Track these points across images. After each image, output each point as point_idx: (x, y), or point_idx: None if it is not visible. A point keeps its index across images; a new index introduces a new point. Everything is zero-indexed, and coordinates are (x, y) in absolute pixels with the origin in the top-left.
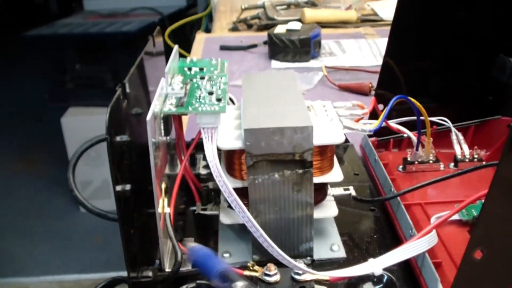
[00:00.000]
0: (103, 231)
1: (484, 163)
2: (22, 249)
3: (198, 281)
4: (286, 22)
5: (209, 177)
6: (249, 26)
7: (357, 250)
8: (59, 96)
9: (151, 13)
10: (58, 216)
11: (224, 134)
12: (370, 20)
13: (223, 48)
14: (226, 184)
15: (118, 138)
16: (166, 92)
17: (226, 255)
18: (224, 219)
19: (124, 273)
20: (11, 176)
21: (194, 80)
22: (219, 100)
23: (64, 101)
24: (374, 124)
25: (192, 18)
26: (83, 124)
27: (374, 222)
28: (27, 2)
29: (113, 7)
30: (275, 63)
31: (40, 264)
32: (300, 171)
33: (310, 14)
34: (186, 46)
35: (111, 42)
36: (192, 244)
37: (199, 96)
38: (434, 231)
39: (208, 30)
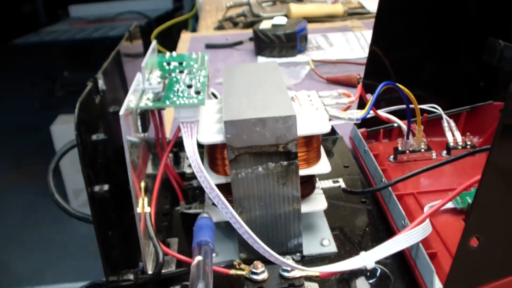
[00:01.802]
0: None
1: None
2: (18, 259)
3: (183, 283)
4: (271, 18)
5: (194, 175)
6: (235, 24)
7: (349, 244)
8: (49, 104)
9: (138, 17)
10: (53, 225)
11: (205, 128)
12: (357, 13)
13: (209, 46)
14: (207, 179)
15: (93, 137)
16: (143, 88)
17: (213, 254)
18: None
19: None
20: (5, 186)
21: (173, 75)
22: (198, 93)
23: (54, 109)
24: (361, 112)
25: (178, 20)
26: (73, 132)
27: (366, 215)
28: (14, 11)
29: (99, 13)
30: (261, 59)
31: (36, 274)
32: (285, 163)
33: (296, 9)
34: (173, 49)
35: (99, 48)
36: (204, 214)
37: (177, 90)
38: (427, 220)
39: (195, 31)
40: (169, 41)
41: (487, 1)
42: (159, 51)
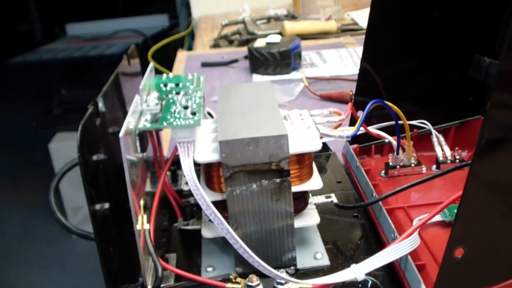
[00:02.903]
0: (96, 257)
1: None
2: (17, 278)
3: None
4: (266, 36)
5: (191, 193)
6: (230, 42)
7: (342, 257)
8: (47, 123)
9: (134, 34)
10: (52, 243)
11: (201, 147)
12: (350, 29)
13: (205, 64)
14: (204, 196)
15: (94, 157)
16: (141, 109)
17: (210, 269)
18: (206, 233)
19: None
20: (3, 205)
21: (170, 96)
22: (193, 114)
23: (52, 127)
24: (351, 130)
25: (175, 38)
26: (71, 149)
27: (358, 229)
28: (11, 30)
29: (96, 31)
30: (256, 77)
31: None
32: (278, 180)
33: (290, 26)
34: (170, 66)
35: (96, 66)
36: None
37: (174, 111)
38: (416, 233)
39: (191, 49)
40: (165, 59)
41: (473, 18)
42: (156, 70)
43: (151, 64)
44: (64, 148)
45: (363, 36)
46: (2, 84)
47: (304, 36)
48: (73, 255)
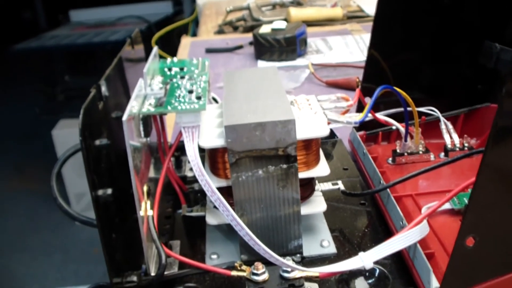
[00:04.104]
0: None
1: None
2: (20, 265)
3: (186, 284)
4: (271, 22)
5: (196, 179)
6: (235, 28)
7: (348, 245)
8: (50, 109)
9: (138, 21)
10: (55, 230)
11: (206, 132)
12: (356, 16)
13: (209, 50)
14: (209, 182)
15: (97, 142)
16: (145, 93)
17: (214, 256)
18: (210, 219)
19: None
20: (6, 192)
21: (174, 80)
22: (199, 98)
23: (55, 114)
24: (360, 116)
25: (179, 24)
26: (75, 136)
27: (365, 216)
28: (14, 16)
29: (99, 18)
30: (261, 63)
31: (39, 279)
32: (285, 166)
33: (296, 13)
34: (174, 53)
35: (100, 52)
36: None
37: (179, 95)
38: (425, 221)
39: (195, 35)
40: (169, 46)
41: (483, 5)
42: (160, 56)
43: (155, 48)
44: (67, 135)
45: (369, 23)
46: (5, 71)
47: (310, 23)
48: (76, 242)
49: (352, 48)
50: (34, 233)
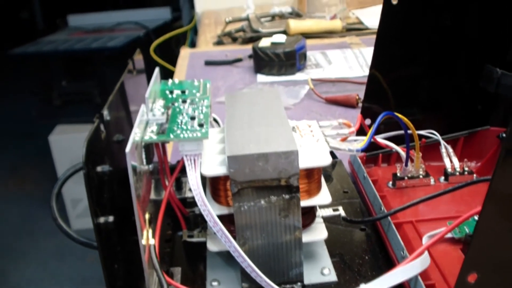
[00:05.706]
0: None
1: (474, 175)
2: (14, 269)
3: None
4: (271, 34)
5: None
6: (234, 39)
7: (349, 273)
8: (47, 114)
9: (136, 27)
10: (50, 235)
11: (207, 160)
12: (355, 29)
13: (208, 63)
14: (211, 213)
15: (99, 169)
16: (147, 119)
17: (215, 283)
18: (211, 246)
19: None
20: (2, 195)
21: (176, 104)
22: (201, 125)
23: (52, 118)
24: (361, 143)
25: (177, 32)
26: (71, 142)
27: (365, 242)
28: (12, 20)
29: (97, 23)
30: (260, 77)
31: (33, 284)
32: (287, 196)
33: (295, 25)
34: (172, 60)
35: (97, 58)
36: None
37: (181, 122)
38: (426, 252)
39: (193, 43)
40: (168, 53)
41: (485, 27)
42: (159, 65)
43: (157, 70)
44: (64, 140)
45: (368, 36)
46: (3, 75)
47: (309, 35)
48: (71, 248)
49: (351, 62)
50: (28, 237)
